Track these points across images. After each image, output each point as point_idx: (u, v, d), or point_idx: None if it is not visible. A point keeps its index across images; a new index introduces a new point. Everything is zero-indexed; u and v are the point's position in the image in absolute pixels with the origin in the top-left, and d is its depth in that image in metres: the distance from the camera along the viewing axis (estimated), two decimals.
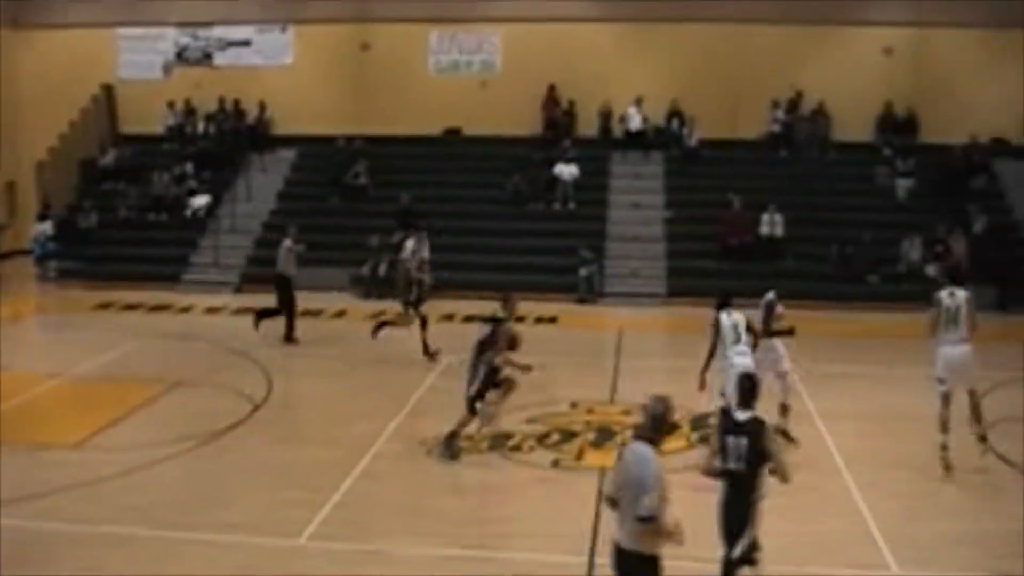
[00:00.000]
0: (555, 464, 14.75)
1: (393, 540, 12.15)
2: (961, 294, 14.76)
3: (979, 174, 30.30)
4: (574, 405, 17.46)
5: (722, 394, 14.43)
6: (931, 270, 26.90)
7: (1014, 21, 30.79)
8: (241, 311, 25.86)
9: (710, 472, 9.65)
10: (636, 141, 31.75)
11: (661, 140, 31.84)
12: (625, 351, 21.48)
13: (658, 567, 8.53)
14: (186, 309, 26.23)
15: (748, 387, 9.78)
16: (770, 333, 15.52)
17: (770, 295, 15.73)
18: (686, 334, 23.95)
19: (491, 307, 23.25)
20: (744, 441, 9.41)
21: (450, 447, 14.96)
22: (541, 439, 15.73)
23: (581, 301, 26.62)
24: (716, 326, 15.09)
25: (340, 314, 25.13)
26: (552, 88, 32.17)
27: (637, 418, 16.45)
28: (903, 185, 30.09)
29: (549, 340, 22.28)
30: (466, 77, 32.92)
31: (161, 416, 17.09)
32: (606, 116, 32.28)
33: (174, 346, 22.23)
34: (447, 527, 12.54)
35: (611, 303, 26.24)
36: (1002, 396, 17.67)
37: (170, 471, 14.35)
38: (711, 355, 14.98)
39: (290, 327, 22.39)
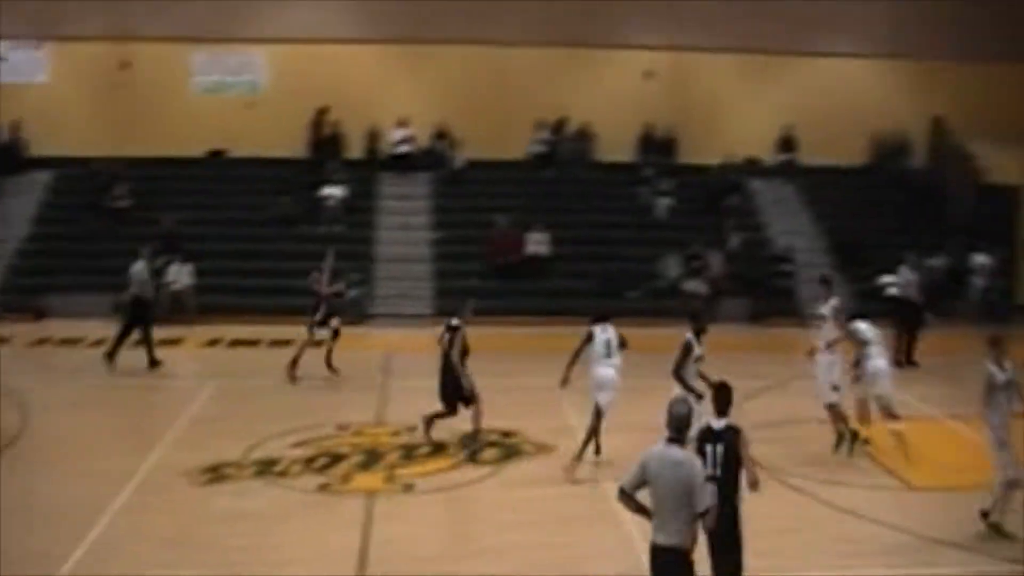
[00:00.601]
0: (322, 488, 14.62)
1: (159, 573, 11.81)
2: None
3: (734, 192, 31.56)
4: (342, 428, 17.34)
5: (598, 409, 15.50)
6: (689, 285, 27.86)
7: (766, 46, 32.30)
8: None
9: None
10: (403, 162, 31.84)
11: (428, 161, 32.02)
12: (393, 372, 21.53)
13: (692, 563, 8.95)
14: None
15: (723, 397, 10.16)
16: (680, 378, 14.74)
17: (688, 335, 15.10)
18: None
19: (258, 330, 23.17)
20: (720, 448, 9.78)
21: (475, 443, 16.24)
22: (308, 463, 15.55)
23: (349, 323, 26.45)
24: (588, 338, 15.58)
25: (101, 342, 24.35)
26: (320, 110, 31.94)
27: (406, 438, 16.68)
28: (663, 203, 31.09)
29: (317, 363, 22.08)
30: (231, 97, 32.44)
31: None
32: (373, 137, 32.26)
33: None
34: (215, 556, 12.25)
35: (379, 324, 26.26)
36: (758, 404, 18.47)
37: None
38: (573, 361, 15.49)
39: (150, 350, 21.76)
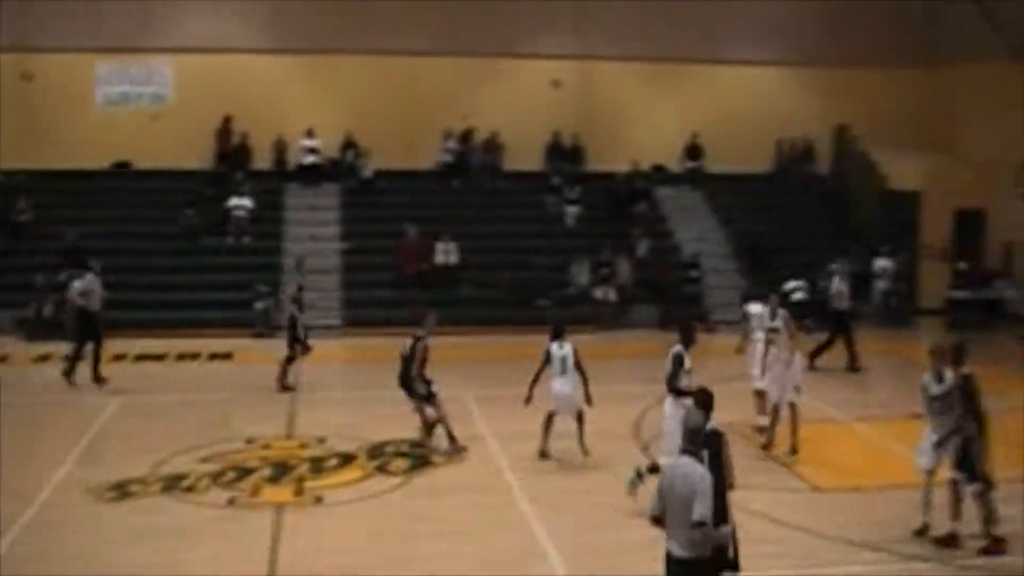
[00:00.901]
0: (231, 502, 14.46)
1: None
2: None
3: (641, 199, 31.82)
4: (250, 441, 17.16)
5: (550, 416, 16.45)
6: (599, 292, 28.02)
7: (672, 55, 32.62)
8: None
9: None
10: (311, 173, 31.63)
11: (336, 172, 31.86)
12: (302, 384, 21.28)
13: (712, 571, 9.13)
14: None
15: (704, 402, 10.07)
16: (676, 391, 14.29)
17: (677, 347, 14.62)
18: (363, 364, 24.17)
19: (164, 344, 22.92)
20: (706, 454, 9.66)
21: (454, 442, 16.83)
22: (216, 478, 15.37)
23: (258, 336, 26.25)
24: (547, 358, 16.23)
25: (2, 358, 23.95)
26: (226, 118, 31.64)
27: (315, 451, 16.58)
28: (571, 212, 31.26)
29: (224, 376, 21.94)
30: (136, 109, 31.93)
31: None
32: (281, 148, 32.01)
33: None
34: (121, 573, 12.08)
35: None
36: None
37: None
38: (536, 380, 16.24)
39: (96, 362, 21.56)
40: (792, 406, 16.63)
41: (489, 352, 20.28)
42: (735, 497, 12.27)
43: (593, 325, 27.14)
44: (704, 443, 9.70)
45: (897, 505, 13.87)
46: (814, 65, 33.51)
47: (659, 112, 33.40)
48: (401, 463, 16.20)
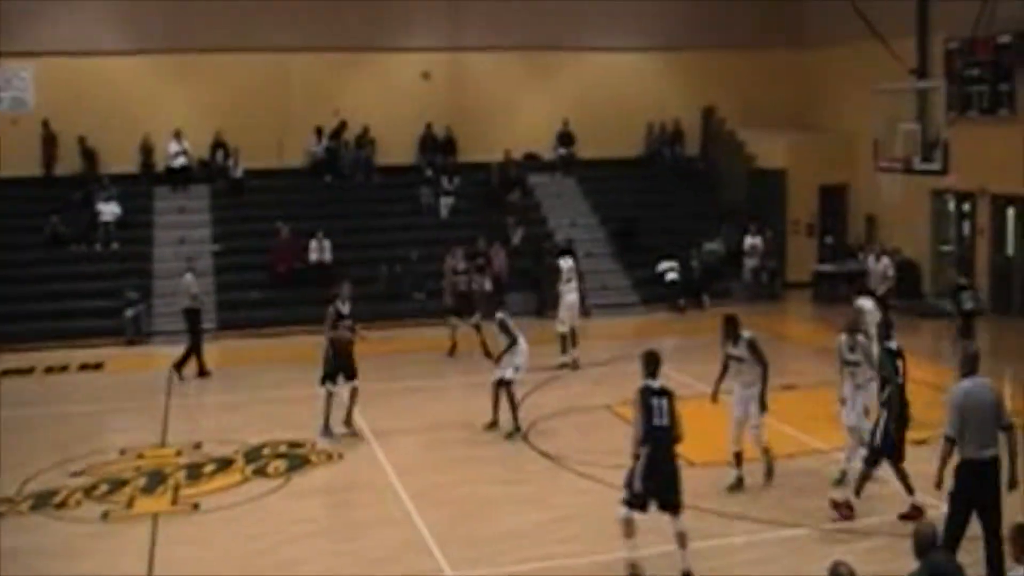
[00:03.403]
0: (105, 516, 14.15)
1: None
2: None
3: (515, 188, 31.92)
4: (123, 452, 16.80)
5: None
6: (475, 282, 28.01)
7: (541, 43, 32.73)
8: None
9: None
10: (180, 175, 31.02)
11: (206, 173, 31.32)
12: (176, 390, 20.87)
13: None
14: None
15: (653, 361, 11.68)
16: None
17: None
18: (236, 367, 23.77)
19: (31, 358, 22.34)
20: (665, 401, 11.42)
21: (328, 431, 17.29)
22: (89, 492, 15.00)
23: (129, 343, 25.72)
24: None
25: None
26: (45, 123, 30.54)
27: (190, 458, 16.34)
28: (445, 203, 31.24)
29: (95, 387, 21.47)
30: None
31: None
32: (147, 151, 31.35)
33: None
34: None
35: (161, 342, 25.41)
36: (545, 395, 18.83)
37: None
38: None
39: (199, 358, 22.09)
40: None
41: (365, 348, 20.11)
42: (607, 476, 12.45)
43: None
44: (663, 392, 11.43)
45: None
46: (681, 50, 33.81)
47: (530, 101, 33.48)
48: (280, 464, 16.03)
